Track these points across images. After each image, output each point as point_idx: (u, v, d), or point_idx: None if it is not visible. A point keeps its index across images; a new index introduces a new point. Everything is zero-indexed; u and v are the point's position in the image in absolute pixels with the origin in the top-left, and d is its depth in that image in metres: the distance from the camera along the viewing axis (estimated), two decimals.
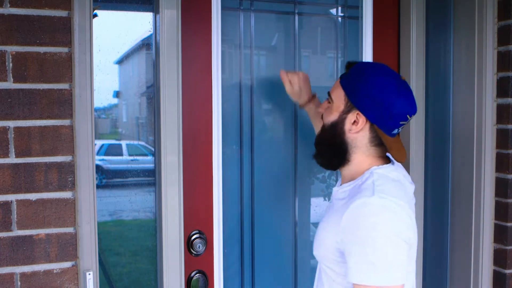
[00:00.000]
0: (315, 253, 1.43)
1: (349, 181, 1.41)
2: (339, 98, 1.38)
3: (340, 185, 1.45)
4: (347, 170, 1.43)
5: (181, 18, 1.74)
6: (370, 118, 1.33)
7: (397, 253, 1.20)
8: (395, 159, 1.40)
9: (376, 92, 1.30)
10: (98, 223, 1.62)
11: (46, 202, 1.47)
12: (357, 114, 1.34)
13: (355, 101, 1.34)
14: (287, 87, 1.81)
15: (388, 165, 1.38)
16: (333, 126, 1.39)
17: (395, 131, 1.35)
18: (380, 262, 1.18)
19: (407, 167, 2.08)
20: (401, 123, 1.33)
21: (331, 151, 1.42)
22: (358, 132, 1.36)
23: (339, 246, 1.28)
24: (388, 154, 1.46)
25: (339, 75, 2.13)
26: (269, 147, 2.05)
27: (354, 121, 1.36)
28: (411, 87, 2.06)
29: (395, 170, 1.38)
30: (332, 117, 1.40)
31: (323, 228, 1.39)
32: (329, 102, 1.45)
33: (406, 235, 1.22)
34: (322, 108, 1.48)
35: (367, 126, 1.35)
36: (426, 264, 2.21)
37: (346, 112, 1.37)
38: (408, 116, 1.33)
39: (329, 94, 1.45)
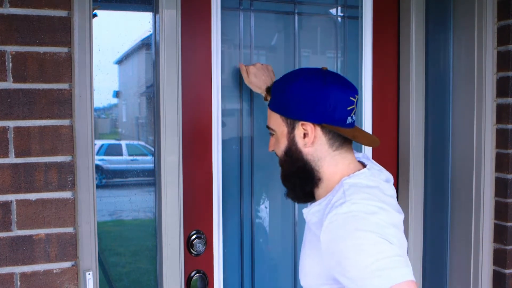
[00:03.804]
0: (302, 283, 1.30)
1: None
2: (278, 123, 1.30)
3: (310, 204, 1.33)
4: (321, 189, 1.30)
5: (181, 18, 1.74)
6: (315, 120, 1.24)
7: (389, 248, 1.08)
8: (366, 145, 1.30)
9: (305, 93, 1.23)
10: (98, 223, 1.62)
11: (46, 202, 1.47)
12: (302, 124, 1.26)
13: (292, 114, 1.26)
14: (244, 77, 1.80)
15: (361, 171, 1.26)
16: (288, 152, 1.30)
17: (349, 120, 1.25)
18: (381, 262, 1.05)
19: (407, 167, 2.08)
20: (348, 108, 1.23)
21: (299, 179, 1.31)
22: (313, 142, 1.26)
23: (330, 272, 1.17)
24: (362, 159, 1.36)
25: None
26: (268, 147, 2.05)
27: (304, 134, 1.26)
28: (410, 87, 2.06)
29: (370, 176, 1.25)
30: (282, 145, 1.31)
31: (306, 256, 1.28)
32: (273, 135, 1.36)
33: (388, 232, 1.11)
34: (271, 146, 1.39)
35: (319, 131, 1.25)
36: (426, 264, 2.21)
37: (291, 130, 1.28)
38: (351, 98, 1.23)
39: (268, 127, 1.37)
